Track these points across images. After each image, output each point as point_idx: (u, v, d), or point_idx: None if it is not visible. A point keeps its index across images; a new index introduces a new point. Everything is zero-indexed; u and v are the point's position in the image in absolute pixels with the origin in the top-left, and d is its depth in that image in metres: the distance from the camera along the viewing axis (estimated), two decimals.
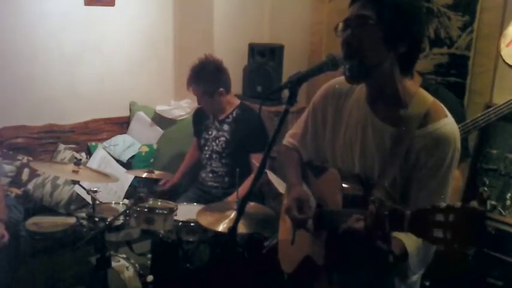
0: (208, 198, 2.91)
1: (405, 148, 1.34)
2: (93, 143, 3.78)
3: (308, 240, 1.53)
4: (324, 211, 1.46)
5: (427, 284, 2.14)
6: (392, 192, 1.36)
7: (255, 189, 2.73)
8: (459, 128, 2.13)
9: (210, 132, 3.02)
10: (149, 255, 2.75)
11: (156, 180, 3.18)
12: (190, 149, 3.31)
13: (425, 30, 1.43)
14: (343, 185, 1.37)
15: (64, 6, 3.57)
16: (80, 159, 2.45)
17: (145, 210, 2.36)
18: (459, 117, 2.27)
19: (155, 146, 3.84)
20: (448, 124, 1.34)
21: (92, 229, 2.36)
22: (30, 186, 3.29)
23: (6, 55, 3.42)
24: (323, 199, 1.49)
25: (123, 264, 2.54)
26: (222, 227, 2.24)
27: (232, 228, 1.39)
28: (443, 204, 0.98)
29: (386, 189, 1.35)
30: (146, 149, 3.80)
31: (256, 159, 2.78)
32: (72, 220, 2.87)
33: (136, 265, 2.57)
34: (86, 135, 3.85)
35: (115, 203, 2.71)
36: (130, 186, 3.29)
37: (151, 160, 3.75)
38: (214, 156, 2.97)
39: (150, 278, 2.50)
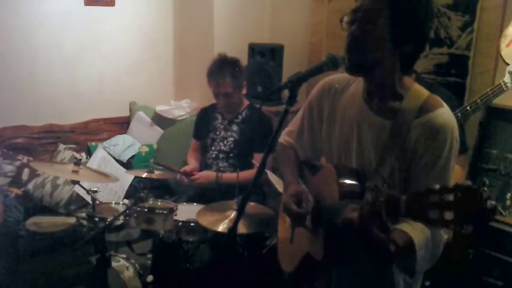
0: (212, 197, 2.91)
1: (402, 140, 1.34)
2: (93, 143, 3.78)
3: (307, 237, 1.53)
4: (321, 206, 1.46)
5: (427, 284, 2.14)
6: (390, 182, 1.36)
7: (256, 189, 2.77)
8: None
9: (218, 133, 3.00)
10: (149, 255, 2.75)
11: (157, 180, 3.16)
12: (189, 152, 3.25)
13: (430, 31, 1.42)
14: (340, 180, 1.37)
15: (64, 6, 3.58)
16: (80, 159, 2.45)
17: (145, 210, 2.36)
18: (452, 103, 2.28)
19: (155, 146, 3.84)
20: (444, 113, 1.33)
21: (92, 229, 2.36)
22: (30, 186, 3.29)
23: (6, 55, 3.43)
24: (321, 195, 1.49)
25: (123, 264, 2.54)
26: (222, 227, 2.24)
27: (232, 228, 1.39)
28: (437, 186, 0.98)
29: (383, 177, 1.35)
30: (146, 149, 3.80)
31: (257, 159, 2.78)
32: (72, 220, 2.86)
33: (136, 265, 2.56)
34: (86, 135, 3.85)
35: (115, 203, 2.70)
36: (130, 186, 3.28)
37: (151, 160, 3.75)
38: (221, 156, 2.96)
39: (150, 278, 2.50)
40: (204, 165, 3.07)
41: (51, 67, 3.63)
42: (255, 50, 3.56)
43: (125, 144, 3.78)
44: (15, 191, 3.23)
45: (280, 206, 1.83)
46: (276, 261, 1.80)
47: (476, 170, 2.55)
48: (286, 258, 1.74)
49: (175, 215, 2.41)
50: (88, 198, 2.81)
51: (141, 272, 2.54)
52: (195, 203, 2.70)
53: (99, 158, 3.42)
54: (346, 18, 1.35)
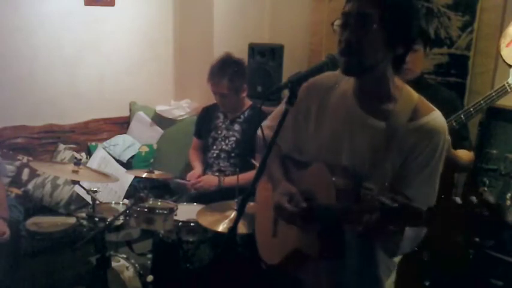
0: (212, 197, 2.91)
1: (396, 141, 1.36)
2: (93, 143, 3.78)
3: (295, 234, 1.52)
4: (314, 204, 1.46)
5: (427, 284, 2.14)
6: (385, 182, 1.37)
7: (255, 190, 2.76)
8: (452, 119, 2.15)
9: (219, 132, 3.00)
10: (149, 255, 2.75)
11: (157, 180, 3.17)
12: (190, 150, 3.25)
13: (418, 31, 1.44)
14: (335, 179, 1.38)
15: (64, 7, 3.58)
16: (80, 159, 2.45)
17: (145, 210, 2.36)
18: (457, 104, 2.28)
19: (155, 146, 3.84)
20: (438, 117, 1.38)
21: (92, 229, 2.36)
22: (30, 186, 3.29)
23: (6, 55, 3.42)
24: (311, 193, 1.49)
25: (123, 264, 2.54)
26: (222, 227, 2.24)
27: (232, 228, 1.39)
28: (458, 199, 1.02)
29: (386, 181, 1.37)
30: (146, 149, 3.80)
31: (258, 160, 2.77)
32: (72, 220, 2.86)
33: (136, 265, 2.56)
34: (86, 135, 3.86)
35: (115, 203, 2.71)
36: (130, 186, 3.29)
37: (151, 160, 3.75)
38: (222, 155, 2.96)
39: (150, 278, 2.50)
40: (205, 165, 3.07)
41: (51, 67, 3.63)
42: (255, 50, 3.56)
43: (125, 144, 3.78)
44: (15, 191, 3.23)
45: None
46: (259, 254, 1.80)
47: (476, 170, 2.55)
48: (268, 251, 1.73)
49: (175, 215, 2.41)
50: (88, 198, 2.82)
51: (141, 272, 2.54)
52: (195, 203, 2.70)
53: (99, 158, 3.42)
54: (337, 21, 1.35)
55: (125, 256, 2.60)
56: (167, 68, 4.22)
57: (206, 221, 2.30)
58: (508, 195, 2.44)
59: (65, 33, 3.62)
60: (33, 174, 3.35)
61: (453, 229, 1.03)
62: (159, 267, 2.61)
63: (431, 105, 1.41)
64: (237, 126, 2.95)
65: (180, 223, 2.43)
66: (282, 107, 1.64)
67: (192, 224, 2.42)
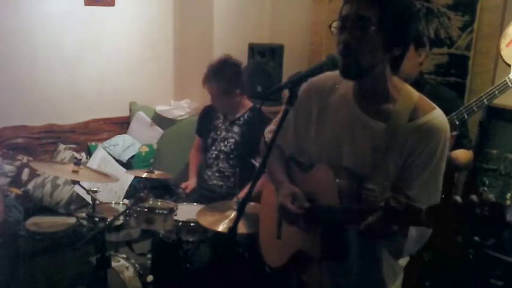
0: (211, 198, 2.91)
1: (397, 141, 1.36)
2: (93, 143, 3.78)
3: (298, 235, 1.53)
4: (317, 206, 1.47)
5: (427, 284, 2.14)
6: (387, 183, 1.38)
7: (259, 191, 2.75)
8: (453, 116, 2.15)
9: (218, 133, 3.00)
10: (149, 255, 2.75)
11: (157, 180, 3.17)
12: (192, 150, 3.27)
13: (415, 32, 1.45)
14: (338, 180, 1.38)
15: (64, 7, 3.58)
16: (80, 159, 2.44)
17: (145, 210, 2.36)
18: (457, 104, 2.28)
19: (155, 146, 3.84)
20: (438, 116, 1.38)
21: (92, 229, 2.36)
22: (30, 186, 3.29)
23: (6, 55, 3.42)
24: (314, 194, 1.49)
25: (123, 264, 2.54)
26: (222, 227, 2.24)
27: (232, 228, 1.39)
28: (458, 198, 1.00)
29: (387, 181, 1.37)
30: (146, 149, 3.80)
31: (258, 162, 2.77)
32: (72, 220, 2.86)
33: (137, 265, 2.56)
34: (86, 135, 3.85)
35: (115, 203, 2.71)
36: (130, 186, 3.29)
37: (151, 160, 3.75)
38: (221, 156, 2.96)
39: (150, 278, 2.50)
40: (205, 165, 3.08)
41: (51, 67, 3.63)
42: (255, 50, 3.56)
43: (125, 144, 3.78)
44: (15, 191, 3.23)
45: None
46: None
47: (476, 170, 2.55)
48: (272, 253, 1.74)
49: (175, 215, 2.41)
50: (88, 198, 2.82)
51: (141, 272, 2.54)
52: (195, 203, 2.70)
53: (99, 158, 3.42)
54: (335, 24, 1.36)
55: (125, 256, 2.60)
56: (167, 68, 4.22)
57: (206, 221, 2.30)
58: (508, 195, 2.44)
59: (65, 33, 3.62)
60: (33, 174, 3.35)
61: (453, 228, 1.03)
62: (159, 267, 2.61)
63: (431, 104, 1.40)
64: (236, 128, 2.95)
65: (180, 223, 2.43)
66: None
67: (192, 224, 2.42)
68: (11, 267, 2.63)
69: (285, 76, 3.44)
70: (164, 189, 3.49)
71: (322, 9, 3.61)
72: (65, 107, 3.74)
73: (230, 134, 2.95)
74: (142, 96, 4.09)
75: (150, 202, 2.45)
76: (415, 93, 1.41)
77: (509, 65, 2.33)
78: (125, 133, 3.98)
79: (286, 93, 1.33)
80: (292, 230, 1.54)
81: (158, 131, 3.93)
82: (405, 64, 1.44)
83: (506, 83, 2.15)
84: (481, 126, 2.57)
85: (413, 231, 1.28)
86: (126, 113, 4.07)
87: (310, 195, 1.50)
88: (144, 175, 2.58)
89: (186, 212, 2.51)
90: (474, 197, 0.97)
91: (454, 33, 2.84)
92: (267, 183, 1.76)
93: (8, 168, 3.33)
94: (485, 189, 2.54)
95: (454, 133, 2.12)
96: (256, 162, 2.81)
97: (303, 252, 1.53)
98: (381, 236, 1.23)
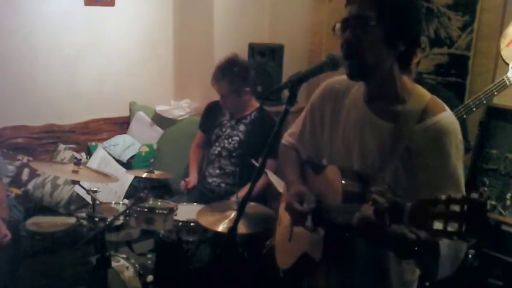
0: (211, 195, 2.91)
1: (404, 144, 1.34)
2: (93, 143, 3.78)
3: (306, 237, 1.53)
4: (322, 206, 1.47)
5: (427, 284, 2.13)
6: (394, 187, 1.36)
7: (259, 191, 2.75)
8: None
9: (223, 129, 3.00)
10: (149, 255, 2.75)
11: (157, 180, 3.17)
12: (192, 146, 3.27)
13: (423, 27, 1.44)
14: (343, 181, 1.37)
15: (64, 7, 3.58)
16: (80, 159, 2.44)
17: (145, 210, 2.36)
18: (455, 104, 2.28)
19: (155, 146, 3.84)
20: (447, 117, 1.34)
21: (92, 229, 2.36)
22: (30, 186, 3.29)
23: (6, 55, 3.42)
24: (323, 195, 1.49)
25: (123, 264, 2.54)
26: (222, 227, 2.24)
27: (232, 228, 1.39)
28: (443, 196, 0.97)
29: (386, 183, 1.35)
30: (146, 149, 3.80)
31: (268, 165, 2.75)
32: (72, 220, 2.87)
33: (137, 265, 2.57)
34: (86, 135, 3.85)
35: (115, 203, 2.71)
36: (130, 186, 3.29)
37: (151, 160, 3.75)
38: (224, 153, 2.96)
39: (150, 278, 2.50)
40: (207, 161, 3.08)
41: (51, 67, 3.63)
42: (255, 50, 3.56)
43: (125, 144, 3.78)
44: (15, 191, 3.23)
45: (279, 205, 1.84)
46: (276, 261, 1.80)
47: (476, 170, 2.55)
48: (283, 256, 1.74)
49: (175, 215, 2.41)
50: (88, 198, 2.82)
51: (141, 272, 2.54)
52: (195, 203, 2.70)
53: (99, 158, 3.42)
54: (338, 26, 1.36)
55: (125, 256, 2.60)
56: (167, 68, 4.22)
57: (206, 221, 2.30)
58: (508, 195, 2.44)
59: (65, 33, 3.62)
60: (33, 174, 3.35)
61: (438, 227, 1.01)
62: (159, 267, 2.61)
63: (442, 106, 1.36)
64: (242, 127, 2.95)
65: (180, 223, 2.43)
66: (305, 113, 1.67)
67: (192, 224, 2.42)
68: (11, 267, 2.62)
69: (285, 76, 3.44)
70: (164, 189, 3.50)
71: (322, 9, 3.61)
72: (65, 107, 3.74)
73: (235, 132, 2.95)
74: (142, 96, 4.09)
75: (150, 202, 2.45)
76: (426, 95, 1.39)
77: (509, 65, 2.33)
78: (125, 133, 3.98)
79: (286, 93, 1.32)
80: (301, 232, 1.54)
81: (158, 131, 3.94)
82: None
83: (504, 81, 2.15)
84: (481, 126, 2.57)
85: (446, 249, 1.20)
86: (126, 113, 4.07)
87: (318, 196, 1.50)
88: (144, 175, 2.58)
89: (186, 212, 2.51)
90: (474, 195, 0.95)
91: (454, 33, 2.85)
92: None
93: (8, 168, 3.33)
94: (485, 189, 2.53)
95: None
96: (257, 163, 2.82)
97: (308, 254, 1.52)
98: (376, 236, 1.19)
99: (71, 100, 3.76)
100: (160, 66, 4.17)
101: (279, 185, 2.46)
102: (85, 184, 2.50)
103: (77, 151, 3.67)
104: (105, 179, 2.50)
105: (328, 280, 1.57)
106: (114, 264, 2.45)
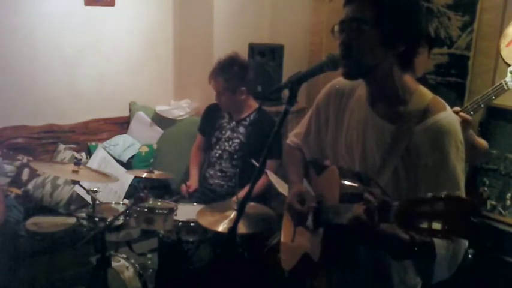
0: (212, 197, 2.90)
1: (405, 144, 1.33)
2: (93, 143, 3.78)
3: (307, 238, 1.54)
4: (321, 207, 1.47)
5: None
6: (394, 187, 1.36)
7: (259, 192, 2.75)
8: None
9: (223, 132, 3.00)
10: (149, 255, 2.75)
11: (157, 180, 3.17)
12: (193, 149, 3.27)
13: (423, 27, 1.42)
14: (342, 182, 1.37)
15: (64, 7, 3.57)
16: (80, 159, 2.44)
17: (145, 210, 2.36)
18: (454, 104, 2.27)
19: (155, 146, 3.84)
20: (447, 117, 1.33)
21: (92, 229, 2.36)
22: (30, 186, 3.29)
23: (6, 55, 3.42)
24: (322, 196, 1.50)
25: (123, 264, 2.54)
26: (222, 227, 2.24)
27: (232, 228, 1.39)
28: (429, 195, 0.97)
29: (384, 182, 1.35)
30: (146, 149, 3.80)
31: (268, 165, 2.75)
32: (72, 220, 2.86)
33: (137, 265, 2.56)
34: (86, 135, 3.85)
35: (115, 203, 2.70)
36: (130, 186, 3.29)
37: (151, 160, 3.75)
38: (225, 156, 2.96)
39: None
40: (207, 164, 3.07)
41: (51, 67, 3.62)
42: (255, 50, 3.56)
43: (125, 144, 3.78)
44: (15, 191, 3.23)
45: (281, 206, 1.84)
46: (276, 261, 1.81)
47: (476, 170, 2.56)
48: (286, 256, 1.75)
49: (175, 215, 2.41)
50: (88, 198, 2.82)
51: (141, 272, 2.54)
52: (195, 203, 2.70)
53: (99, 158, 3.42)
54: (336, 27, 1.36)
55: (125, 256, 2.60)
56: (167, 68, 4.22)
57: (206, 221, 2.30)
58: (508, 195, 2.45)
59: (65, 33, 3.62)
60: (33, 174, 3.34)
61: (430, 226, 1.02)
62: (159, 267, 2.61)
63: (443, 105, 1.35)
64: (242, 129, 2.94)
65: (180, 223, 2.43)
66: (310, 114, 1.67)
67: (192, 224, 2.42)
68: (11, 267, 2.63)
69: (285, 76, 3.44)
70: (164, 189, 3.50)
71: (322, 9, 3.61)
72: (65, 107, 3.74)
73: (235, 134, 2.94)
74: (142, 96, 4.09)
75: (150, 202, 2.45)
76: (428, 95, 1.38)
77: (509, 65, 2.33)
78: (125, 133, 3.97)
79: (286, 93, 1.32)
80: (303, 233, 1.54)
81: (158, 131, 3.94)
82: (417, 64, 1.42)
83: (502, 86, 2.14)
84: (481, 126, 2.57)
85: (443, 250, 1.20)
86: (126, 113, 4.07)
87: (319, 197, 1.51)
88: (144, 175, 2.58)
89: (186, 212, 2.51)
90: (458, 193, 0.96)
91: (454, 33, 2.85)
92: None
93: (8, 168, 3.33)
94: (485, 189, 2.54)
95: None
96: (257, 163, 2.81)
97: (309, 255, 1.52)
98: (368, 236, 1.18)
99: (71, 100, 3.76)
100: (160, 66, 4.17)
101: (279, 185, 2.46)
102: (85, 184, 2.50)
103: (77, 151, 3.67)
104: (105, 179, 2.50)
105: (330, 281, 1.57)
106: (114, 264, 2.45)
